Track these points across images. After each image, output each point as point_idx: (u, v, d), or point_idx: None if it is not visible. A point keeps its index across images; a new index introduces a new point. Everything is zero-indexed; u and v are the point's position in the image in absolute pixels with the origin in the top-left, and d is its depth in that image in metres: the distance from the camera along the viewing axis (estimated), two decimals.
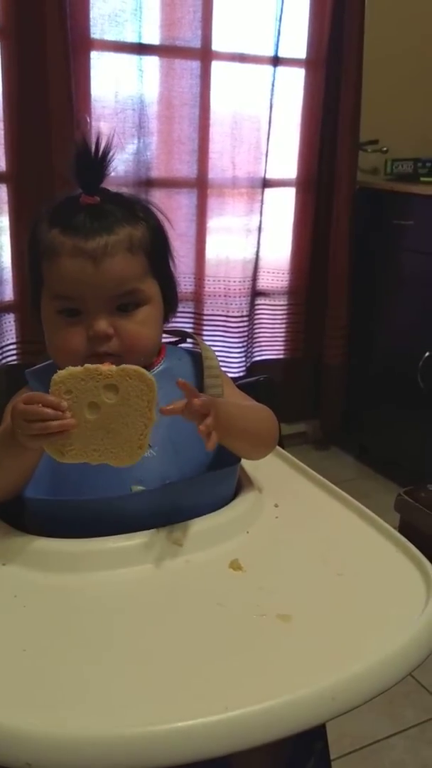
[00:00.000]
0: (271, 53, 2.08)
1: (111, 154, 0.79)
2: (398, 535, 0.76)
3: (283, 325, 2.38)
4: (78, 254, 0.76)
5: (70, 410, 0.68)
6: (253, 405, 0.88)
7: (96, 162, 0.79)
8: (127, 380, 0.68)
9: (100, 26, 1.86)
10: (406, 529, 1.70)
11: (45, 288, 0.80)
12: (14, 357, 1.96)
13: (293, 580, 0.70)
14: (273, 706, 0.54)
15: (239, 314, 2.24)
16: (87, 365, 0.69)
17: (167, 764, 0.51)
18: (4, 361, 1.94)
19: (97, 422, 0.69)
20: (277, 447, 0.93)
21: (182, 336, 0.95)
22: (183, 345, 0.93)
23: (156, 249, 0.82)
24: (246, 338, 2.29)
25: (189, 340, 0.94)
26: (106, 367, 0.69)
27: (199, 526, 0.74)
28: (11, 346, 1.97)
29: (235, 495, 0.82)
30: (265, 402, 0.92)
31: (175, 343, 0.93)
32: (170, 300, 0.86)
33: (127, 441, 0.69)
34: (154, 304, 0.81)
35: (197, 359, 0.88)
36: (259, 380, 1.04)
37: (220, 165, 2.10)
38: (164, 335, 0.87)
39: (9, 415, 0.73)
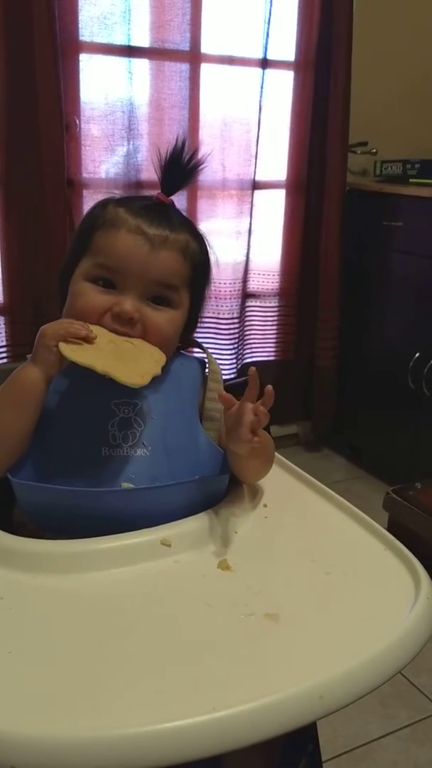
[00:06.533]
0: (260, 56, 2.08)
1: (200, 168, 0.84)
2: (386, 533, 0.76)
3: (274, 327, 2.39)
4: (138, 233, 0.79)
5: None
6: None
7: (185, 168, 0.84)
8: (143, 343, 0.79)
9: (89, 29, 1.86)
10: (395, 527, 1.70)
11: (89, 256, 0.81)
12: (4, 360, 1.96)
13: (281, 579, 0.70)
14: (261, 706, 0.53)
15: (230, 316, 2.25)
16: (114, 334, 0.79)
17: (154, 765, 0.51)
18: None
19: (112, 351, 0.75)
20: None
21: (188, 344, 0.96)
22: (196, 354, 0.94)
23: (201, 269, 0.85)
24: (237, 340, 2.29)
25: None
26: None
27: (187, 526, 0.74)
28: (1, 349, 1.96)
29: (224, 495, 0.82)
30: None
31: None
32: (192, 322, 0.88)
33: (136, 368, 0.76)
34: (181, 312, 0.84)
35: (202, 365, 0.90)
36: (247, 381, 1.03)
37: (209, 167, 2.09)
38: None
39: None
